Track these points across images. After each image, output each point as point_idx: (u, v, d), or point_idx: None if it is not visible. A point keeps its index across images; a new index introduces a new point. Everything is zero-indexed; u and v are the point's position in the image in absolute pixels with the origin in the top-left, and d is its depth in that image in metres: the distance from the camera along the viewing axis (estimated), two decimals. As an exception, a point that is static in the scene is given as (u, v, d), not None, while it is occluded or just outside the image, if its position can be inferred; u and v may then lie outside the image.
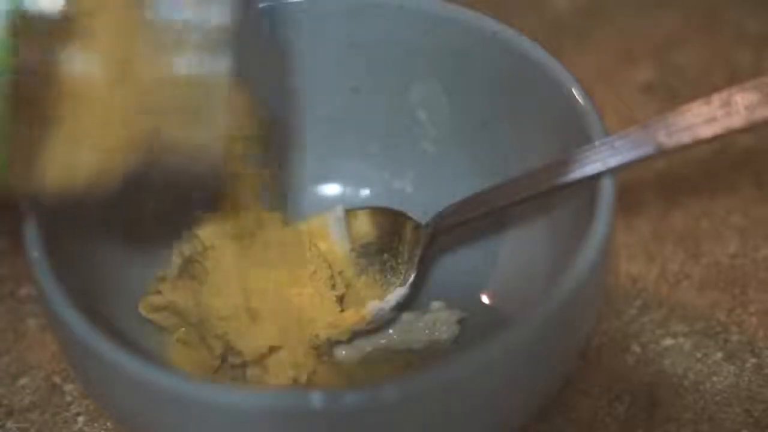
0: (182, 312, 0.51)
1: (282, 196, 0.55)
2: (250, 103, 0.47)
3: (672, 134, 0.47)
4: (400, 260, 0.54)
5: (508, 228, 0.54)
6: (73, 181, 0.43)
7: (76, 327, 0.44)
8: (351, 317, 0.52)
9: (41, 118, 0.42)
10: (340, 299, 0.53)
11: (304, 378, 0.51)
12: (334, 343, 0.52)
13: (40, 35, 0.41)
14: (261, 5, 0.53)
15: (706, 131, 0.47)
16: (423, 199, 0.55)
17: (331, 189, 0.58)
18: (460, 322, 0.53)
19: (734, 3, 0.70)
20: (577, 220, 0.48)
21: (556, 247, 0.51)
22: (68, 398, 0.54)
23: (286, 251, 0.52)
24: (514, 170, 0.51)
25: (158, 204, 0.53)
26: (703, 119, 0.47)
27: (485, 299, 0.54)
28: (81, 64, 0.42)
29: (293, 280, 0.52)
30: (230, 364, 0.51)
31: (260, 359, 0.51)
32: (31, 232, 0.46)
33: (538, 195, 0.49)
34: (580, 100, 0.49)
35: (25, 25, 0.40)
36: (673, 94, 0.65)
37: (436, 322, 0.53)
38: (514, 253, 0.54)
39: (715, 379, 0.54)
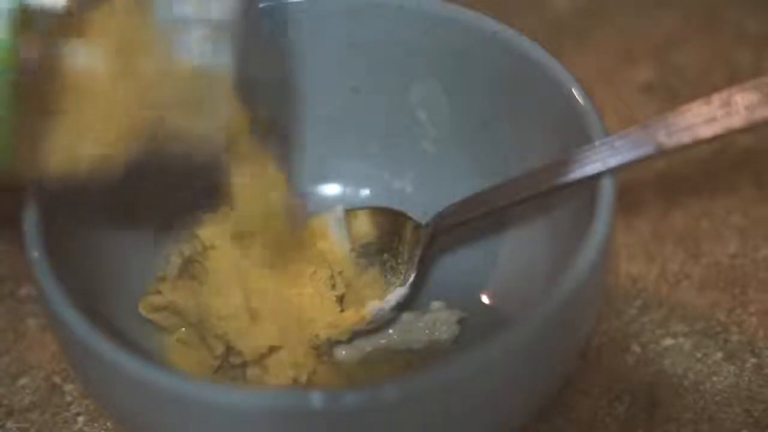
0: (182, 312, 0.51)
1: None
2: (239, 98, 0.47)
3: (672, 134, 0.47)
4: (400, 260, 0.54)
5: (508, 228, 0.54)
6: (76, 170, 0.43)
7: (76, 327, 0.44)
8: (351, 317, 0.52)
9: (45, 109, 0.42)
10: (340, 299, 0.53)
11: (304, 378, 0.51)
12: (334, 343, 0.52)
13: (43, 30, 0.41)
14: (261, 5, 0.53)
15: (706, 131, 0.47)
16: (423, 199, 0.55)
17: (331, 189, 0.58)
18: (460, 322, 0.53)
19: (734, 3, 0.70)
20: (577, 220, 0.48)
21: (556, 247, 0.51)
22: (68, 398, 0.54)
23: (286, 251, 0.52)
24: (514, 170, 0.51)
25: (159, 204, 0.53)
26: (703, 119, 0.47)
27: (485, 299, 0.54)
28: (84, 58, 0.42)
29: (293, 280, 0.52)
30: (230, 364, 0.51)
31: (260, 359, 0.51)
32: (31, 232, 0.46)
33: (538, 195, 0.49)
34: (580, 100, 0.49)
35: (28, 20, 0.40)
36: (673, 94, 0.65)
37: (436, 322, 0.53)
38: (514, 253, 0.54)
39: (715, 379, 0.54)
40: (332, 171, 0.57)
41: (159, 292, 0.52)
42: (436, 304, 0.54)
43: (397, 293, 0.53)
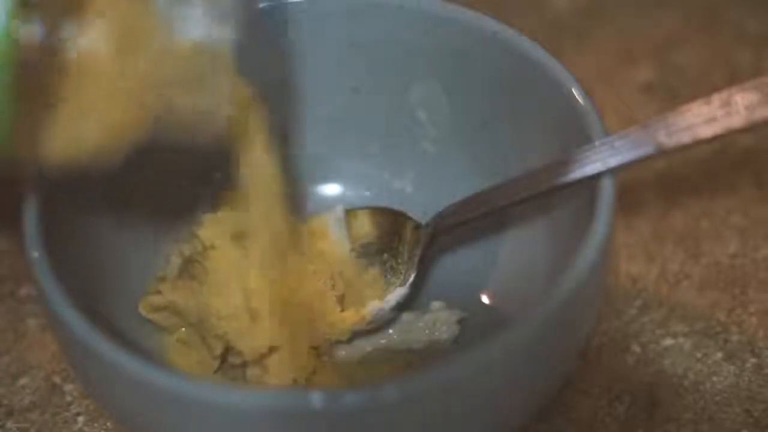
0: (182, 312, 0.51)
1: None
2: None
3: (672, 134, 0.47)
4: (400, 260, 0.54)
5: (508, 228, 0.54)
6: (78, 154, 0.43)
7: (76, 327, 0.44)
8: (351, 317, 0.52)
9: (46, 94, 0.42)
10: (340, 299, 0.53)
11: (304, 378, 0.51)
12: (334, 343, 0.52)
13: (42, 13, 0.41)
14: (261, 5, 0.53)
15: (706, 131, 0.47)
16: (423, 199, 0.55)
17: (331, 189, 0.58)
18: (460, 322, 0.53)
19: (734, 3, 0.70)
20: (577, 220, 0.48)
21: (556, 247, 0.51)
22: (68, 398, 0.54)
23: (286, 251, 0.52)
24: (514, 170, 0.51)
25: (159, 204, 0.53)
26: (703, 119, 0.47)
27: (485, 299, 0.54)
28: (85, 40, 0.42)
29: (293, 280, 0.52)
30: (230, 364, 0.51)
31: (260, 359, 0.51)
32: (31, 232, 0.46)
33: (538, 195, 0.49)
34: (580, 100, 0.49)
35: (28, 4, 0.40)
36: (673, 94, 0.65)
37: (436, 322, 0.53)
38: (514, 253, 0.54)
39: (715, 379, 0.54)
40: (332, 171, 0.57)
41: (159, 292, 0.52)
42: (436, 304, 0.54)
43: (397, 293, 0.53)
